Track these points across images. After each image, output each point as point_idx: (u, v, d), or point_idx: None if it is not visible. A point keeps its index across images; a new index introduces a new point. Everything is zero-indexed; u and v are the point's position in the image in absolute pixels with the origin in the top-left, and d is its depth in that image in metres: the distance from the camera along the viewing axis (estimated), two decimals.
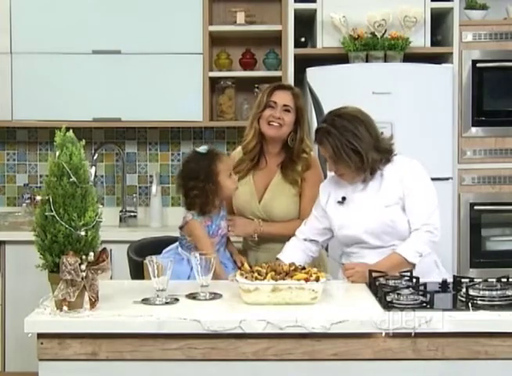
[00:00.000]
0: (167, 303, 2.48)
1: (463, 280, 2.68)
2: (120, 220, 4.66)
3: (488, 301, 2.44)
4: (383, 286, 2.60)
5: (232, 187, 3.14)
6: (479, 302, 2.44)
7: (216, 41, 4.57)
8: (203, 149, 3.12)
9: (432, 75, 4.18)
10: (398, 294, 2.47)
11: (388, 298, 2.45)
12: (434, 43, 4.36)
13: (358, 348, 2.33)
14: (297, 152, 3.26)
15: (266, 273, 2.52)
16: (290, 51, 4.32)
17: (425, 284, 2.56)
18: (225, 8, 4.60)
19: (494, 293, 2.46)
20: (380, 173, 2.95)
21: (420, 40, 4.30)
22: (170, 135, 4.75)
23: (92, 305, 2.38)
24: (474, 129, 4.30)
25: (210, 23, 4.43)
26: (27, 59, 4.39)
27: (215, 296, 2.57)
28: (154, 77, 4.40)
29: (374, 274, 2.72)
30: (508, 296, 2.46)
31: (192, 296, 2.57)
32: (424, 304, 2.42)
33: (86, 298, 2.39)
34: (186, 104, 4.42)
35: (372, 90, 4.05)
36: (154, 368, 2.35)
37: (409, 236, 2.89)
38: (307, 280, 2.48)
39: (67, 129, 2.42)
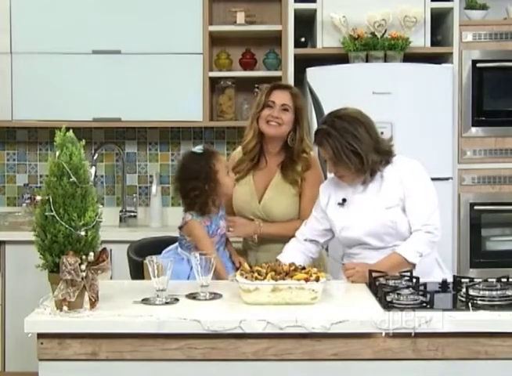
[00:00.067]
0: (167, 303, 2.48)
1: (463, 280, 2.68)
2: (120, 220, 4.66)
3: (488, 301, 2.44)
4: (383, 286, 2.60)
5: (231, 184, 3.16)
6: (479, 302, 2.44)
7: (216, 41, 4.57)
8: (198, 149, 3.13)
9: (432, 75, 4.18)
10: (398, 294, 2.47)
11: (388, 298, 2.45)
12: (434, 43, 4.36)
13: (358, 348, 2.33)
14: (297, 152, 3.27)
15: (266, 273, 2.52)
16: (290, 51, 4.32)
17: (425, 284, 2.56)
18: (225, 8, 4.60)
19: (494, 293, 2.46)
20: (380, 174, 2.95)
21: (420, 40, 4.30)
22: (170, 135, 4.75)
23: (92, 305, 2.38)
24: (474, 129, 4.30)
25: (210, 23, 4.43)
26: (27, 59, 4.39)
27: (215, 296, 2.57)
28: (154, 77, 4.40)
29: (374, 274, 2.72)
30: (508, 296, 2.46)
31: (192, 296, 2.57)
32: (424, 304, 2.42)
33: (86, 298, 2.39)
34: (186, 104, 4.42)
35: (372, 90, 4.05)
36: (154, 368, 2.35)
37: (409, 237, 2.90)
38: (307, 280, 2.49)
39: (67, 129, 2.42)
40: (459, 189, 4.29)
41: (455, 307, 2.47)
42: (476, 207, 4.29)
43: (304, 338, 2.32)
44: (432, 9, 4.30)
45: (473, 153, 4.30)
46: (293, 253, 3.01)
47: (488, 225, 4.33)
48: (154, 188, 4.63)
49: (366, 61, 4.21)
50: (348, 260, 3.01)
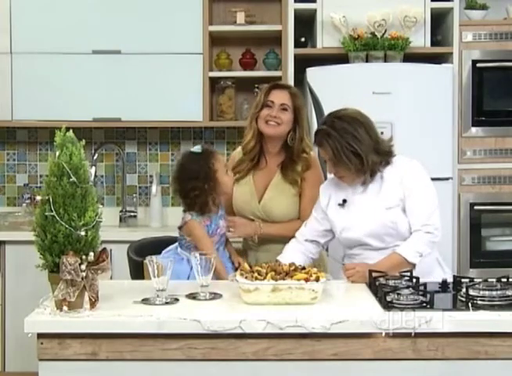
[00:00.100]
0: (167, 303, 2.48)
1: (463, 280, 2.68)
2: (120, 220, 4.66)
3: (488, 301, 2.44)
4: (383, 286, 2.60)
5: (230, 183, 3.17)
6: (479, 302, 2.44)
7: (216, 41, 4.57)
8: (197, 149, 3.13)
9: (432, 75, 4.18)
10: (398, 294, 2.47)
11: (388, 298, 2.45)
12: (434, 43, 4.36)
13: (358, 348, 2.33)
14: (297, 151, 3.26)
15: (266, 273, 2.52)
16: (290, 51, 4.32)
17: (425, 284, 2.56)
18: (225, 8, 4.60)
19: (494, 293, 2.46)
20: (380, 175, 2.95)
21: (420, 40, 4.30)
22: (170, 135, 4.76)
23: (92, 305, 2.38)
24: (474, 129, 4.30)
25: (210, 23, 4.43)
26: (27, 59, 4.39)
27: (215, 296, 2.57)
28: (154, 77, 4.40)
29: (374, 274, 2.72)
30: (508, 296, 2.46)
31: (192, 296, 2.57)
32: (424, 304, 2.42)
33: (86, 298, 2.39)
34: (186, 104, 4.42)
35: (372, 90, 4.05)
36: (154, 368, 2.35)
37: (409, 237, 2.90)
38: (307, 280, 2.49)
39: (67, 129, 2.42)
40: (459, 189, 4.29)
41: (455, 307, 2.47)
42: (476, 207, 4.29)
43: (304, 338, 2.32)
44: (432, 9, 4.30)
45: (473, 153, 4.30)
46: (293, 253, 3.01)
47: (488, 225, 4.33)
48: (154, 188, 4.63)
49: (366, 61, 4.21)
50: (349, 260, 3.01)
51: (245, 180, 3.33)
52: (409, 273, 2.73)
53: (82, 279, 2.33)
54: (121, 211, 4.68)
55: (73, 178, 2.35)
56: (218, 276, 2.86)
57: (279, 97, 3.25)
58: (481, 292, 2.47)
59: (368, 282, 2.74)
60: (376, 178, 2.95)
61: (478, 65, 4.27)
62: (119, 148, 4.71)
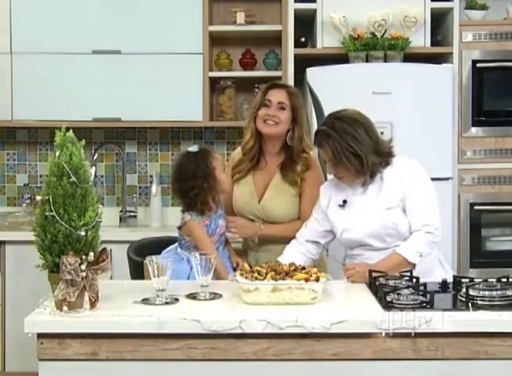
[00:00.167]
0: (167, 303, 2.48)
1: (463, 280, 2.68)
2: (120, 220, 4.66)
3: (488, 301, 2.44)
4: (383, 286, 2.60)
5: (228, 181, 3.18)
6: (479, 302, 2.44)
7: (216, 41, 4.57)
8: (194, 148, 3.14)
9: (432, 75, 4.18)
10: (398, 294, 2.47)
11: (388, 298, 2.45)
12: (434, 43, 4.36)
13: (358, 348, 2.33)
14: (297, 151, 3.26)
15: (266, 273, 2.52)
16: (290, 51, 4.32)
17: (425, 284, 2.56)
18: (225, 8, 4.60)
19: (494, 293, 2.46)
20: (379, 176, 2.95)
21: (420, 40, 4.30)
22: (170, 135, 4.76)
23: (92, 305, 2.38)
24: (474, 129, 4.30)
25: (210, 23, 4.43)
26: (27, 59, 4.39)
27: (215, 296, 2.57)
28: (154, 77, 4.40)
29: (374, 274, 2.72)
30: (508, 296, 2.46)
31: (192, 296, 2.57)
32: (424, 304, 2.42)
33: (86, 298, 2.39)
34: (186, 104, 4.42)
35: (372, 90, 4.05)
36: (154, 368, 2.35)
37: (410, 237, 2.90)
38: (307, 280, 2.49)
39: (67, 129, 2.42)
40: (459, 189, 4.29)
41: (455, 307, 2.47)
42: (476, 207, 4.29)
43: (304, 338, 2.32)
44: (432, 9, 4.30)
45: (473, 153, 4.30)
46: (293, 254, 3.01)
47: (488, 225, 4.33)
48: (154, 188, 4.63)
49: (366, 61, 4.21)
50: (350, 261, 3.01)
51: (245, 180, 3.33)
52: (409, 273, 2.73)
53: (82, 279, 2.33)
54: (121, 211, 4.68)
55: (73, 178, 2.35)
56: (218, 276, 2.86)
57: (277, 96, 3.25)
58: (481, 292, 2.47)
59: (368, 282, 2.74)
60: (376, 179, 2.95)
61: (478, 65, 4.27)
62: (119, 148, 4.71)
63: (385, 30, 4.22)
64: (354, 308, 2.47)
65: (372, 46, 4.19)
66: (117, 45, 4.38)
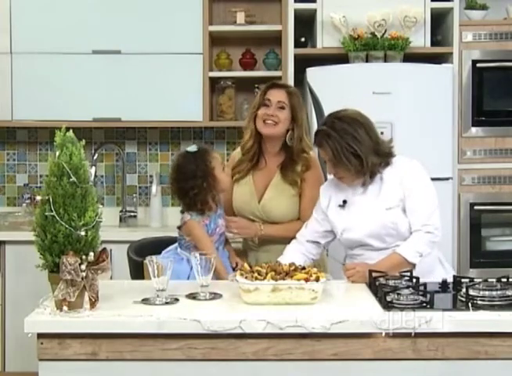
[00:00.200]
0: (167, 303, 2.48)
1: (463, 280, 2.68)
2: (120, 220, 4.66)
3: (488, 301, 2.44)
4: (383, 286, 2.60)
5: (227, 180, 3.18)
6: (479, 302, 2.44)
7: (216, 41, 4.57)
8: (192, 148, 3.14)
9: (432, 75, 4.18)
10: (398, 294, 2.47)
11: (388, 298, 2.45)
12: (434, 43, 4.36)
13: (358, 348, 2.33)
14: (297, 151, 3.26)
15: (266, 273, 2.52)
16: (290, 51, 4.32)
17: (425, 284, 2.56)
18: (225, 8, 4.60)
19: (494, 293, 2.46)
20: (379, 176, 2.95)
21: (420, 40, 4.30)
22: (170, 135, 4.75)
23: (92, 305, 2.38)
24: (474, 129, 4.30)
25: (210, 23, 4.43)
26: (27, 59, 4.39)
27: (215, 296, 2.57)
28: (154, 77, 4.40)
29: (374, 274, 2.72)
30: (508, 296, 2.46)
31: (192, 296, 2.57)
32: (424, 304, 2.42)
33: (86, 298, 2.39)
34: (186, 104, 4.42)
35: (372, 90, 4.05)
36: (154, 368, 2.35)
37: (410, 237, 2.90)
38: (307, 280, 2.49)
39: (67, 129, 2.42)
40: (459, 189, 4.29)
41: (455, 307, 2.47)
42: (476, 207, 4.29)
43: (304, 338, 2.32)
44: (432, 9, 4.30)
45: (473, 153, 4.30)
46: (293, 254, 3.01)
47: (488, 225, 4.33)
48: (154, 188, 4.63)
49: (366, 61, 4.21)
50: (350, 261, 3.01)
51: (245, 180, 3.33)
52: (408, 273, 2.73)
53: (82, 279, 2.33)
54: (121, 211, 4.68)
55: (73, 178, 2.35)
56: (218, 276, 2.86)
57: (276, 95, 3.25)
58: (481, 292, 2.47)
59: (368, 282, 2.74)
60: (375, 179, 2.95)
61: (478, 65, 4.27)
62: (119, 148, 4.71)
63: (385, 30, 4.22)
64: (354, 308, 2.47)
65: (372, 46, 4.19)
66: (117, 45, 4.38)
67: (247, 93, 4.62)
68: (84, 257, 2.34)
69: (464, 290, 2.51)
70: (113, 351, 2.32)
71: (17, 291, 4.15)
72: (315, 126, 3.87)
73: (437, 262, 3.03)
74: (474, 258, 4.29)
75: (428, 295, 2.44)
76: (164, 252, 3.13)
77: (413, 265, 2.83)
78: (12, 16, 4.37)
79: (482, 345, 2.33)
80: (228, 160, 3.68)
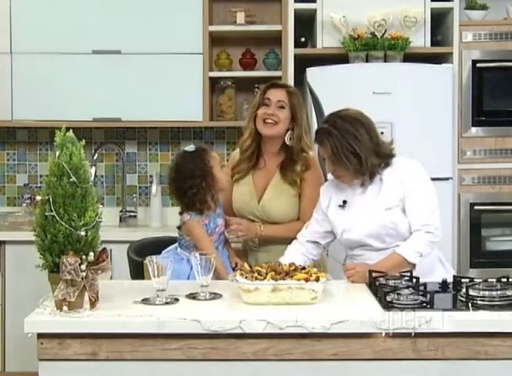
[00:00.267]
0: (167, 303, 2.48)
1: (463, 280, 2.68)
2: (120, 220, 4.66)
3: (488, 301, 2.44)
4: (383, 286, 2.60)
5: (225, 179, 3.18)
6: (479, 302, 2.44)
7: (216, 41, 4.57)
8: (190, 147, 3.14)
9: (432, 75, 4.18)
10: (398, 294, 2.47)
11: (388, 298, 2.45)
12: (434, 43, 4.36)
13: (358, 348, 2.33)
14: (297, 151, 3.26)
15: (266, 273, 2.52)
16: (290, 51, 4.32)
17: (425, 284, 2.56)
18: (225, 8, 4.60)
19: (494, 293, 2.46)
20: (379, 177, 2.95)
21: (420, 40, 4.30)
22: (170, 135, 4.75)
23: (92, 305, 2.38)
24: (474, 129, 4.30)
25: (210, 23, 4.42)
26: (27, 59, 4.39)
27: (215, 296, 2.57)
28: (154, 77, 4.40)
29: (374, 274, 2.72)
30: (508, 296, 2.46)
31: (192, 296, 2.57)
32: (424, 304, 2.42)
33: (86, 298, 2.39)
34: (186, 104, 4.42)
35: (372, 90, 4.05)
36: (154, 368, 2.35)
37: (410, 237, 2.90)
38: (307, 280, 2.48)
39: (67, 129, 2.42)
40: (459, 189, 4.29)
41: (455, 307, 2.47)
42: (476, 207, 4.29)
43: (304, 338, 2.32)
44: (432, 9, 4.30)
45: (473, 153, 4.29)
46: (294, 255, 3.01)
47: (488, 225, 4.33)
48: (154, 188, 4.63)
49: (366, 61, 4.21)
50: (351, 261, 3.01)
51: (245, 180, 3.33)
52: (408, 273, 2.73)
53: (82, 279, 2.33)
54: (121, 211, 4.68)
55: (73, 178, 2.35)
56: (218, 276, 2.86)
57: (276, 95, 3.26)
58: (481, 292, 2.47)
59: (368, 282, 2.74)
60: (375, 179, 2.95)
61: (478, 65, 4.27)
62: (119, 148, 4.71)
63: (385, 30, 4.22)
64: (354, 308, 2.48)
65: (372, 46, 4.19)
66: (117, 45, 4.38)
67: (247, 93, 4.62)
68: (84, 257, 2.34)
69: (464, 290, 2.51)
70: (113, 351, 2.32)
71: (17, 291, 4.15)
72: (315, 126, 3.87)
73: (437, 262, 3.03)
74: (474, 258, 4.29)
75: (428, 295, 2.44)
76: (164, 252, 3.13)
77: (413, 266, 2.83)
78: (12, 16, 4.37)
79: (482, 345, 2.33)
80: (228, 161, 3.68)
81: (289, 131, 3.25)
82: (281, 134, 3.26)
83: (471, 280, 2.65)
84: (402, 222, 2.91)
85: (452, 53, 4.27)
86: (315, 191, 3.13)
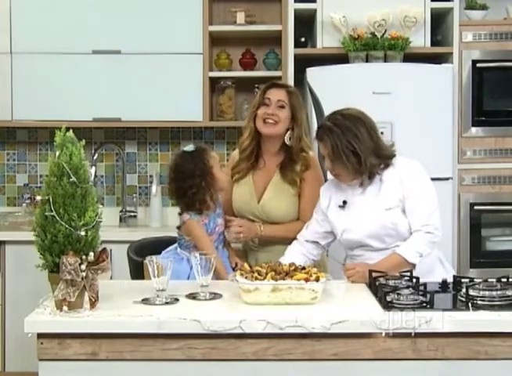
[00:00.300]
0: (167, 303, 2.48)
1: (463, 280, 2.68)
2: (120, 220, 4.67)
3: (488, 301, 2.44)
4: (383, 286, 2.60)
5: (225, 179, 3.18)
6: (479, 302, 2.44)
7: (216, 41, 4.57)
8: (189, 147, 3.14)
9: (432, 75, 4.18)
10: (398, 294, 2.47)
11: (388, 298, 2.44)
12: (434, 43, 4.36)
13: (358, 348, 2.33)
14: (296, 150, 3.26)
15: (266, 273, 2.52)
16: (290, 51, 4.32)
17: (425, 284, 2.56)
18: (225, 8, 4.60)
19: (494, 293, 2.46)
20: (379, 178, 2.95)
21: (420, 40, 4.30)
22: (170, 135, 4.75)
23: (92, 305, 2.38)
24: (474, 129, 4.30)
25: (210, 23, 4.43)
26: (27, 59, 4.39)
27: (215, 296, 2.57)
28: (154, 77, 4.40)
29: (374, 274, 2.72)
30: (508, 296, 2.46)
31: (192, 296, 2.57)
32: (424, 304, 2.42)
33: (86, 298, 2.39)
34: (186, 104, 4.42)
35: (372, 90, 4.05)
36: (154, 368, 2.35)
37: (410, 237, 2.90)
38: (307, 280, 2.48)
39: (67, 129, 2.42)
40: (459, 189, 4.29)
41: (455, 307, 2.47)
42: (476, 207, 4.29)
43: (304, 338, 2.32)
44: (432, 9, 4.30)
45: (473, 153, 4.29)
46: (294, 255, 3.00)
47: (488, 225, 4.33)
48: (154, 188, 4.63)
49: (366, 61, 4.21)
50: (351, 261, 3.01)
51: (244, 180, 3.33)
52: (408, 273, 2.73)
53: (82, 279, 2.33)
54: (121, 211, 4.68)
55: (73, 178, 2.35)
56: (218, 276, 2.86)
57: (276, 94, 3.26)
58: (481, 292, 2.47)
59: (368, 282, 2.74)
60: (375, 180, 2.95)
61: (478, 65, 4.27)
62: (119, 148, 4.71)
63: (385, 30, 4.22)
64: (354, 308, 2.47)
65: (372, 46, 4.19)
66: (117, 45, 4.38)
67: (247, 93, 4.62)
68: (84, 257, 2.34)
69: (464, 290, 2.51)
70: (113, 351, 2.32)
71: (17, 291, 4.15)
72: (315, 126, 3.86)
73: (437, 262, 3.03)
74: (474, 258, 4.29)
75: (428, 295, 2.44)
76: (164, 252, 3.13)
77: (413, 266, 2.83)
78: (12, 16, 4.38)
79: (482, 345, 2.33)
80: (228, 161, 3.68)
81: (289, 131, 3.25)
82: (281, 134, 3.26)
83: (471, 280, 2.65)
84: (402, 222, 2.91)
85: (452, 53, 4.27)
86: (314, 191, 3.13)
